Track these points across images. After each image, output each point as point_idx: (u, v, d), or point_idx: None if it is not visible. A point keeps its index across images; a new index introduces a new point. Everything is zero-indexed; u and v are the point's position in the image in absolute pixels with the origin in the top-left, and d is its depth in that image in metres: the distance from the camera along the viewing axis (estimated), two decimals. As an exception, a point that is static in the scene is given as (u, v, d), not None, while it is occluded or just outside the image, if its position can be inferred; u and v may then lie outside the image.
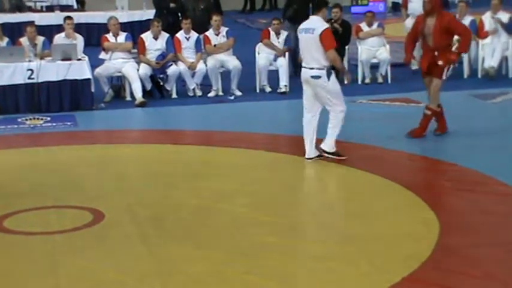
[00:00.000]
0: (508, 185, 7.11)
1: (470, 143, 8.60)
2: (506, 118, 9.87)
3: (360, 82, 12.71)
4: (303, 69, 8.09)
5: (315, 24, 7.94)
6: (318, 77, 7.89)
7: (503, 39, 12.56)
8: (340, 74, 8.45)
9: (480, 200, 6.92)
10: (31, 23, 13.46)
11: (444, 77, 8.62)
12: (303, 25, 8.12)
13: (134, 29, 15.47)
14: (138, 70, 11.80)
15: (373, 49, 12.73)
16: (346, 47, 12.74)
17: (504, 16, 12.63)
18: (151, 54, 11.96)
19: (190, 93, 12.13)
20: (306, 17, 13.11)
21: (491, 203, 6.81)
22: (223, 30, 12.39)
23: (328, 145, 8.04)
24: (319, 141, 8.15)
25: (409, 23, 13.30)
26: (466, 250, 5.68)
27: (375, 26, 12.96)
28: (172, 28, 12.82)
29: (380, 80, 12.71)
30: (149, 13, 15.56)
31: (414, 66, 13.28)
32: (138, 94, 11.58)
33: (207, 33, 12.33)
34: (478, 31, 12.52)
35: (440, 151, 8.35)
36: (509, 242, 5.78)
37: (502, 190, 7.01)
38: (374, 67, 12.82)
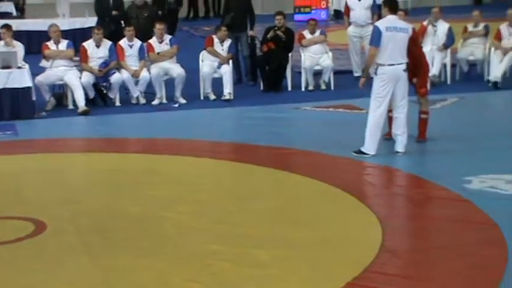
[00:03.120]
0: (449, 189, 7.26)
1: (412, 149, 8.74)
2: (446, 124, 10.05)
3: (303, 89, 12.80)
4: (390, 67, 8.37)
5: (405, 24, 8.65)
6: (406, 70, 8.46)
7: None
8: None
9: (422, 204, 7.06)
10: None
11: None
12: (390, 23, 8.45)
13: (76, 37, 15.27)
14: (80, 78, 11.67)
15: (316, 56, 12.83)
16: (290, 54, 12.83)
17: (443, 26, 12.87)
18: (94, 62, 11.84)
19: (134, 101, 12.04)
20: (244, 25, 13.30)
21: (433, 207, 6.95)
22: (167, 38, 12.34)
23: (405, 146, 8.62)
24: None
25: (351, 30, 13.47)
26: (409, 254, 5.78)
27: (317, 33, 13.06)
28: (115, 36, 12.72)
29: (323, 86, 12.82)
30: (91, 20, 15.39)
31: (357, 73, 13.47)
32: (81, 102, 11.45)
33: (150, 41, 12.26)
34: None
35: (383, 157, 8.47)
36: (449, 245, 5.89)
37: (442, 195, 7.16)
38: (317, 74, 12.93)
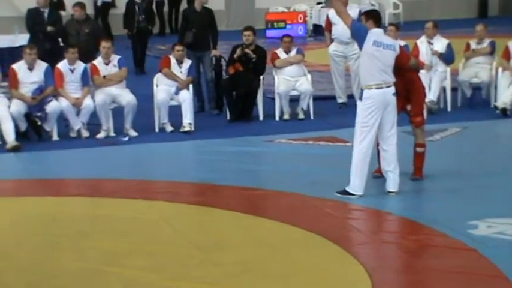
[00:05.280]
0: (450, 236, 7.34)
1: (406, 188, 8.83)
2: (446, 158, 10.18)
3: (277, 118, 12.90)
4: (378, 90, 8.48)
5: (392, 40, 8.90)
6: (395, 94, 8.60)
7: (440, 68, 13.03)
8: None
9: (418, 254, 7.13)
10: None
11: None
12: (378, 37, 8.56)
13: (3, 58, 15.24)
14: (9, 107, 11.65)
15: (292, 79, 12.95)
16: (261, 77, 12.94)
17: (442, 42, 13.10)
18: (26, 88, 11.83)
19: (75, 135, 12.03)
20: (207, 43, 13.40)
21: (431, 257, 7.00)
22: (115, 58, 12.38)
23: (398, 185, 8.72)
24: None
25: (334, 49, 13.62)
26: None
27: (293, 52, 13.21)
28: (50, 56, 12.72)
29: (301, 115, 12.93)
30: (22, 38, 15.38)
31: (340, 99, 13.62)
32: (10, 137, 11.42)
33: (94, 62, 12.29)
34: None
35: (372, 198, 8.55)
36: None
37: (443, 242, 7.24)
38: (294, 101, 13.04)
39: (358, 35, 8.62)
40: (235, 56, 12.88)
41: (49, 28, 13.82)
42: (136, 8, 16.99)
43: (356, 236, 7.66)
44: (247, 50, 12.84)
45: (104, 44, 12.35)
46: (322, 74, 15.26)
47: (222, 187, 9.29)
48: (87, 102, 12.00)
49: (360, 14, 13.28)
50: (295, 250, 7.19)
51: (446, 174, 9.42)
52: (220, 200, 8.85)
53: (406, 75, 8.87)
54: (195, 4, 13.77)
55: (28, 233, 7.92)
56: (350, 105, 12.61)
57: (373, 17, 8.76)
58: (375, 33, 8.58)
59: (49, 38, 13.78)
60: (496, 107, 12.72)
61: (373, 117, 8.51)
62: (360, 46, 8.61)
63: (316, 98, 13.24)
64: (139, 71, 16.90)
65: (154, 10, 22.95)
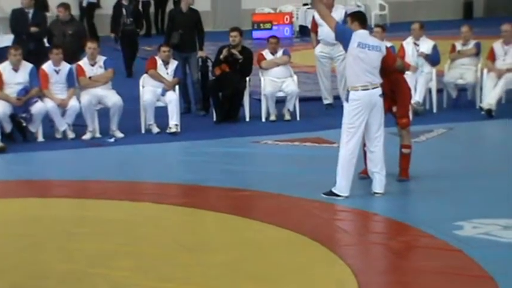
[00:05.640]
0: (436, 237, 7.37)
1: (392, 189, 8.86)
2: (432, 160, 10.22)
3: (263, 119, 12.91)
4: (364, 92, 8.48)
5: (377, 41, 8.86)
6: (382, 95, 8.61)
7: (426, 69, 13.08)
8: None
9: (404, 255, 7.17)
10: None
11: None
12: (362, 39, 8.54)
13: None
14: (-6, 108, 11.62)
15: (278, 80, 12.97)
16: (247, 79, 12.95)
17: (427, 43, 13.15)
18: (11, 89, 11.80)
19: (60, 136, 12.01)
20: (193, 44, 13.39)
21: (417, 258, 7.06)
22: (100, 59, 12.36)
23: (384, 186, 8.74)
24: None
25: (320, 50, 13.64)
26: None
27: (279, 53, 13.22)
28: (34, 56, 12.66)
29: (287, 116, 12.94)
30: (7, 39, 15.34)
31: (327, 100, 13.65)
32: (-5, 137, 11.41)
33: (80, 62, 12.26)
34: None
35: (358, 199, 8.57)
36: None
37: (428, 243, 7.27)
38: (280, 102, 13.06)
39: (343, 38, 8.65)
40: (221, 57, 12.88)
41: (32, 29, 13.76)
42: (124, 10, 16.91)
43: (342, 236, 7.69)
44: (233, 51, 12.85)
45: (90, 45, 12.32)
46: (309, 75, 15.29)
47: (208, 188, 9.29)
48: (73, 103, 11.98)
49: (346, 15, 13.47)
50: (282, 251, 7.21)
51: (432, 175, 9.46)
52: (207, 201, 8.86)
53: (391, 76, 8.90)
54: (181, 5, 13.77)
55: (13, 235, 7.90)
56: (336, 106, 12.63)
57: (359, 18, 8.79)
58: (359, 35, 8.61)
59: (33, 38, 13.72)
60: (481, 108, 12.78)
61: (359, 119, 8.53)
62: (345, 48, 8.64)
63: (302, 99, 13.25)
64: (127, 73, 16.73)
65: (141, 10, 23.02)
